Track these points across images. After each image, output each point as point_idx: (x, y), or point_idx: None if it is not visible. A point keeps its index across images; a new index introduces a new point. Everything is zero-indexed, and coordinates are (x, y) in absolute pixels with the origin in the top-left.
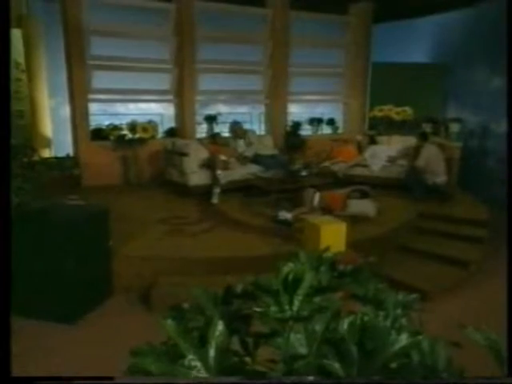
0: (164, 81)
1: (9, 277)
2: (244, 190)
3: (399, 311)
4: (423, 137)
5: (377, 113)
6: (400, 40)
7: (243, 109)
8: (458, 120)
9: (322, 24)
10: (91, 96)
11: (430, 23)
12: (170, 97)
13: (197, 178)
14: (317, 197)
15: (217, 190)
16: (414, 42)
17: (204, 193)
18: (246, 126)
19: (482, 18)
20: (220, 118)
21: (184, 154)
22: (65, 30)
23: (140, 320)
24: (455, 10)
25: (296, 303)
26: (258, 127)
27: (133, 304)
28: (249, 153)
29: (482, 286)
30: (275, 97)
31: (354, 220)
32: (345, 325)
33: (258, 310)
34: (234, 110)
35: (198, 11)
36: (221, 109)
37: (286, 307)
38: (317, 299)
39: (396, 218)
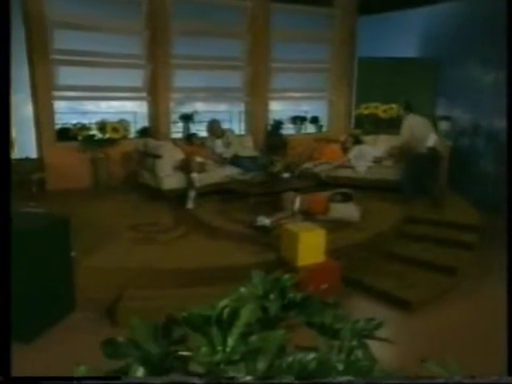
0: (136, 77)
1: (9, 277)
2: (222, 193)
3: (355, 342)
4: (406, 107)
5: (363, 111)
6: (387, 34)
7: (222, 107)
8: (447, 118)
9: (305, 17)
10: (57, 93)
11: (419, 16)
12: (143, 94)
13: (171, 181)
14: (298, 201)
15: (192, 194)
16: (402, 36)
17: (179, 197)
18: (226, 126)
19: (472, 11)
20: (197, 117)
21: (157, 156)
22: (25, 21)
23: (103, 336)
24: (444, 2)
25: (230, 343)
26: (238, 127)
27: (96, 319)
28: (227, 154)
29: (470, 295)
30: (255, 94)
31: (337, 225)
32: (287, 363)
33: (183, 353)
34: (213, 108)
35: (172, 2)
36: (199, 107)
37: (219, 348)
38: (254, 338)
39: (381, 223)
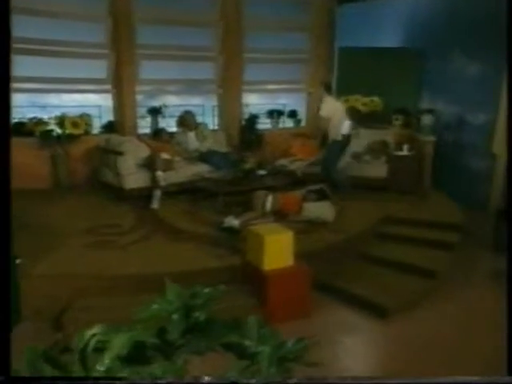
0: (100, 68)
1: (9, 277)
2: (190, 192)
3: (273, 369)
4: (327, 89)
5: (342, 103)
6: (369, 23)
7: (196, 100)
8: (430, 111)
9: (282, 3)
10: (14, 85)
11: (403, 5)
12: (108, 86)
13: (134, 179)
14: (269, 200)
15: (157, 194)
16: (385, 25)
17: (143, 197)
18: (198, 120)
19: (457, 1)
20: (167, 111)
21: (118, 153)
22: None
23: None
24: None
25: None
26: (212, 121)
27: (43, 331)
28: (203, 148)
29: (451, 299)
30: (229, 87)
31: (310, 226)
32: None
33: None
34: (186, 101)
35: None
36: (171, 101)
37: None
38: (126, 371)
39: (358, 223)
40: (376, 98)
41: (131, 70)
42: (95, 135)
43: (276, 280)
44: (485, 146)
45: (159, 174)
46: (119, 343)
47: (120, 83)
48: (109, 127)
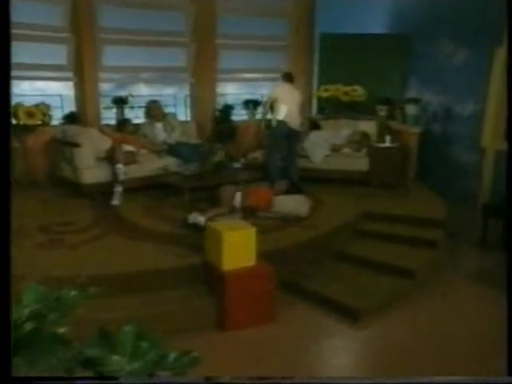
0: (60, 53)
1: (9, 277)
2: (156, 188)
3: None
4: (287, 78)
5: (322, 93)
6: (352, 7)
7: (169, 90)
8: (414, 100)
9: None
10: None
11: None
12: (69, 74)
13: (93, 174)
14: (238, 195)
15: (118, 189)
16: (369, 10)
17: (105, 193)
18: (170, 111)
19: None
20: (137, 101)
21: (75, 145)
22: None
23: None
24: None
25: None
26: (185, 112)
27: None
28: (171, 140)
29: (430, 300)
30: (202, 75)
31: (282, 221)
32: None
33: None
34: (158, 91)
35: None
36: (142, 90)
37: None
38: None
39: (334, 219)
40: (358, 87)
41: (93, 55)
42: (54, 126)
43: (235, 281)
44: (473, 137)
45: (119, 167)
46: None
47: (81, 70)
48: (71, 118)
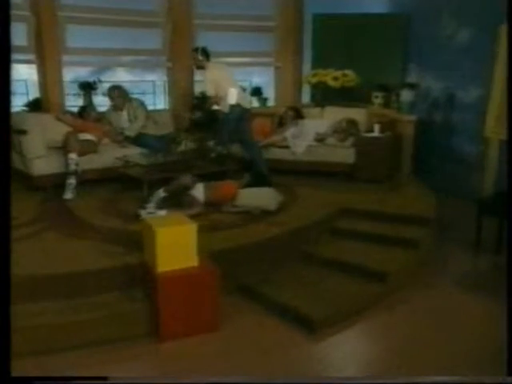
0: (20, 33)
1: (9, 277)
2: (117, 180)
3: None
4: (204, 53)
5: (310, 79)
6: None
7: (152, 76)
8: (410, 86)
9: None
10: None
11: None
12: (30, 56)
13: (45, 164)
14: (200, 187)
15: (72, 182)
16: None
17: (60, 185)
18: (149, 99)
19: None
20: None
21: (21, 132)
22: None
23: None
24: None
25: None
26: (164, 99)
27: None
28: (131, 131)
29: (405, 309)
30: (178, 59)
31: (245, 217)
32: None
33: None
34: (141, 77)
35: None
36: (122, 76)
37: None
38: None
39: (305, 215)
40: (349, 72)
41: (54, 35)
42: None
43: (170, 284)
44: (476, 126)
45: (71, 157)
46: None
47: (42, 52)
48: (34, 105)
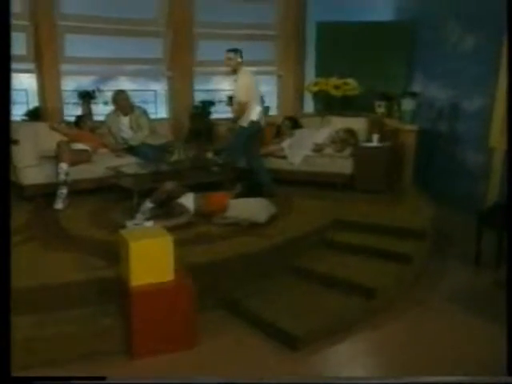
0: (19, 42)
1: (9, 277)
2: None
3: None
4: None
5: (312, 87)
6: None
7: (155, 86)
8: (411, 94)
9: None
10: None
11: None
12: (30, 65)
13: (35, 174)
14: (190, 197)
15: (62, 191)
16: None
17: (51, 195)
18: (150, 108)
19: None
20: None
21: (13, 142)
22: None
23: None
24: None
25: None
26: (166, 109)
27: None
28: (134, 141)
29: (394, 326)
30: (178, 68)
31: (233, 229)
32: None
33: None
34: (145, 87)
35: None
36: (125, 85)
37: None
38: None
39: (295, 228)
40: (351, 80)
41: (51, 44)
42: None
43: (144, 299)
44: (481, 136)
45: (61, 166)
46: None
47: (41, 61)
48: (34, 114)
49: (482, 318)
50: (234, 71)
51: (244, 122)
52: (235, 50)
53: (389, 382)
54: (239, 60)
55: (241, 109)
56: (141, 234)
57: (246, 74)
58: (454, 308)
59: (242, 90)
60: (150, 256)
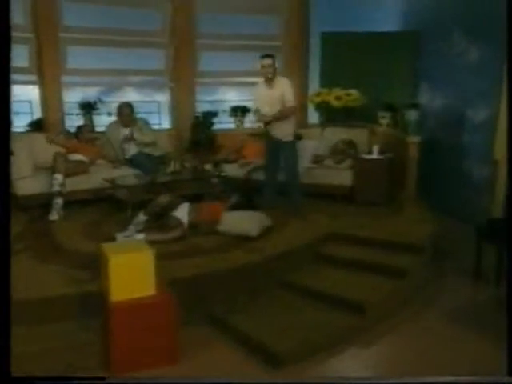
0: (21, 54)
1: (9, 277)
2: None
3: None
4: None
5: (314, 98)
6: (357, 3)
7: (160, 97)
8: (414, 106)
9: None
10: None
11: None
12: (32, 76)
13: (29, 185)
14: (184, 209)
15: (58, 202)
16: (376, 6)
17: (47, 206)
18: (154, 119)
19: None
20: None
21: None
22: None
23: None
24: None
25: None
26: (169, 120)
27: None
28: (133, 150)
29: (384, 343)
30: (181, 79)
31: (226, 241)
32: None
33: None
34: (150, 97)
35: None
36: (131, 96)
37: None
38: None
39: (288, 242)
40: (354, 91)
41: (54, 56)
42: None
43: (124, 314)
44: (485, 148)
45: (56, 177)
46: None
47: (42, 72)
48: (37, 125)
49: (477, 334)
50: (270, 79)
51: (289, 136)
52: (271, 56)
53: (389, 382)
54: (276, 66)
55: (291, 113)
56: (121, 248)
57: (284, 78)
58: (450, 325)
59: (290, 94)
60: (130, 270)
